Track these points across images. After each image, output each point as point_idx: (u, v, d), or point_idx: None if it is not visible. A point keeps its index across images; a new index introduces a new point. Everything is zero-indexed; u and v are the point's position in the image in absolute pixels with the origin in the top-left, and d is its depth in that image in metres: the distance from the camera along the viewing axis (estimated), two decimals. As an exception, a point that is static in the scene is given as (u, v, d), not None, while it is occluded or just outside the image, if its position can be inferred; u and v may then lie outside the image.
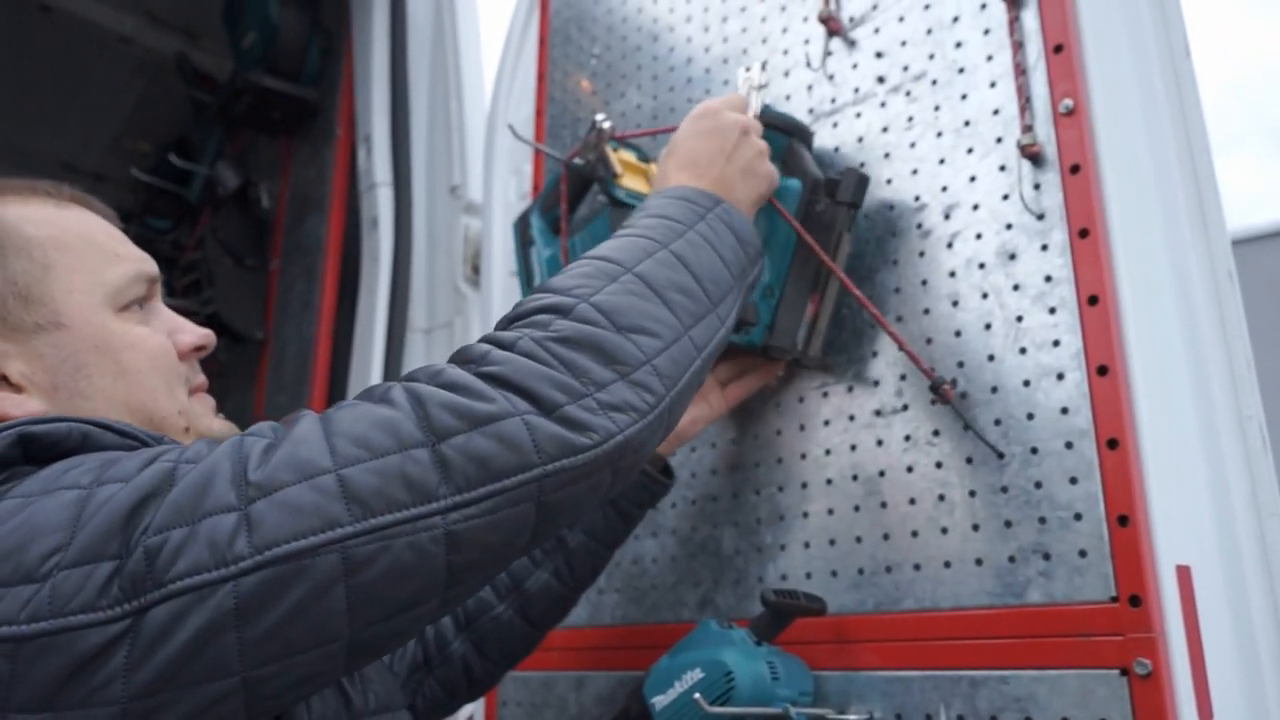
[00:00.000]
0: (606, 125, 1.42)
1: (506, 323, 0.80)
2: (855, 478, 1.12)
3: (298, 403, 2.19)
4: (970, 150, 1.10)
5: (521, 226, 1.62)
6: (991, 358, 1.03)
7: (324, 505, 0.65)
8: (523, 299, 0.82)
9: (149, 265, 0.91)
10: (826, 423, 1.17)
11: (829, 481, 1.15)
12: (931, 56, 1.16)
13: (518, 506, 0.70)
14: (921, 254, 1.12)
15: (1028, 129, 1.04)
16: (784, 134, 1.17)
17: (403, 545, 0.66)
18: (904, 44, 1.19)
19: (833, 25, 1.26)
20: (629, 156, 1.45)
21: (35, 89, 3.25)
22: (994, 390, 1.01)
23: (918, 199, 1.14)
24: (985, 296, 1.05)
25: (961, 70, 1.12)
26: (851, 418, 1.14)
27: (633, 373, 0.77)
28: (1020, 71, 1.06)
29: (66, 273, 0.84)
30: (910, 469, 1.07)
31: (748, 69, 1.16)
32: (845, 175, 1.13)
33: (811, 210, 1.13)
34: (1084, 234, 0.98)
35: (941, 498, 1.03)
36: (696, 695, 1.01)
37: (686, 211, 0.94)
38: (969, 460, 1.02)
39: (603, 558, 1.19)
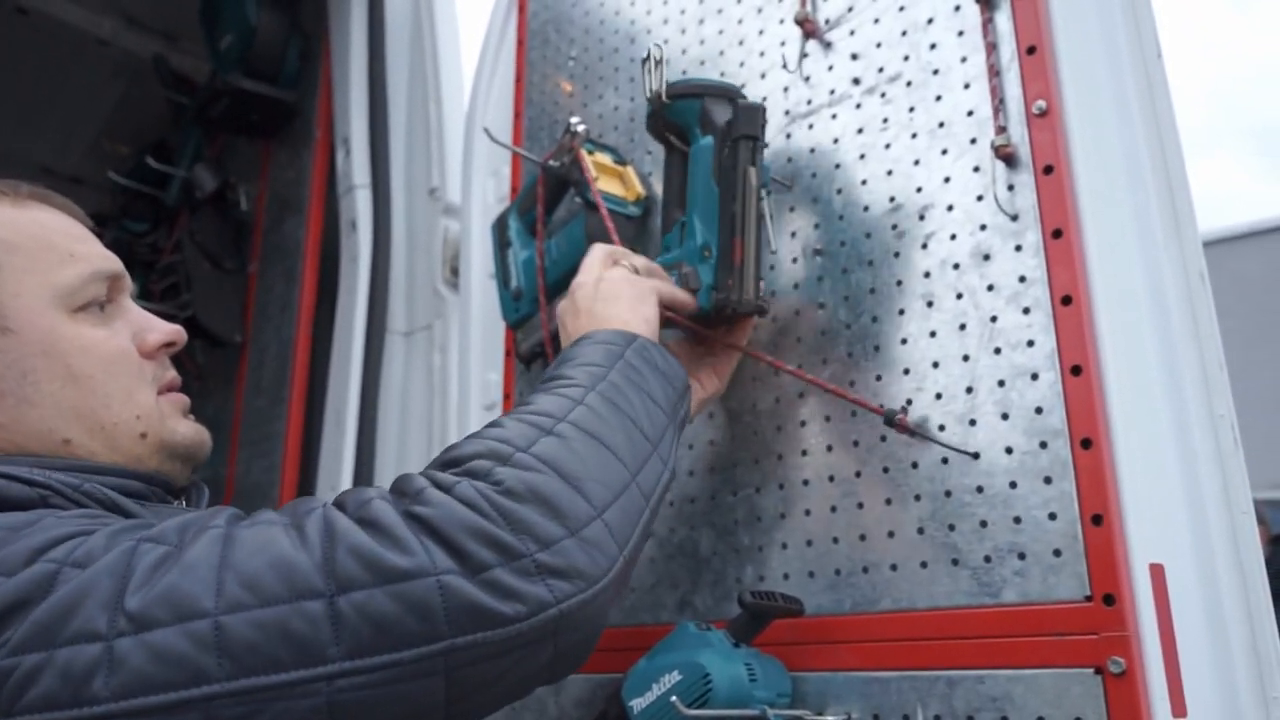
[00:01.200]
0: (580, 129, 1.42)
1: (441, 465, 0.73)
2: (832, 479, 1.12)
3: (277, 406, 2.18)
4: (945, 151, 1.10)
5: (499, 228, 1.61)
6: (966, 358, 1.03)
7: (194, 657, 0.58)
8: (455, 443, 0.76)
9: (108, 263, 0.88)
10: (803, 424, 1.17)
11: (805, 483, 1.15)
12: (906, 58, 1.16)
13: (421, 680, 0.62)
14: (896, 255, 1.12)
15: (1001, 130, 1.04)
16: (695, 98, 1.19)
17: (278, 710, 0.59)
18: (879, 46, 1.19)
19: (808, 27, 1.27)
20: (604, 159, 1.44)
21: (12, 92, 3.21)
22: (969, 390, 1.02)
23: (893, 200, 1.14)
24: (960, 297, 1.05)
25: (936, 72, 1.13)
26: (827, 418, 1.14)
27: (583, 528, 0.69)
28: (994, 73, 1.06)
29: (15, 275, 0.82)
30: (886, 469, 1.07)
31: (647, 53, 1.20)
32: (739, 111, 1.14)
33: (720, 157, 1.15)
34: (1057, 234, 0.98)
35: (917, 498, 1.03)
36: (674, 698, 1.01)
37: (603, 354, 0.91)
38: (944, 460, 1.02)
39: None
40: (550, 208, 1.50)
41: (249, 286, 2.50)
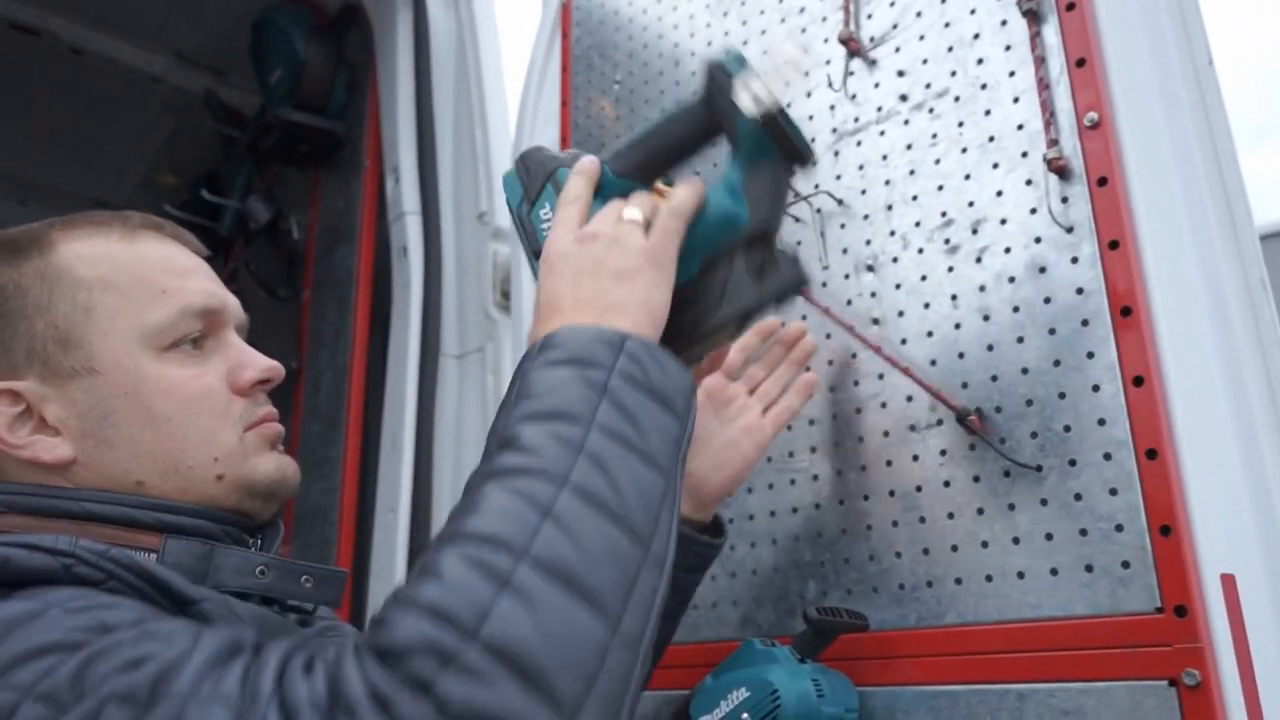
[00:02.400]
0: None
1: (378, 651, 0.57)
2: (892, 493, 1.13)
3: (334, 431, 2.23)
4: (996, 165, 1.11)
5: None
6: (1025, 371, 1.03)
7: None
8: (397, 598, 0.60)
9: (202, 298, 0.86)
10: (860, 439, 1.18)
11: (866, 498, 1.16)
12: (954, 73, 1.17)
13: None
14: (950, 269, 1.13)
15: (1053, 143, 1.05)
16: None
17: None
18: (925, 62, 1.20)
19: (853, 46, 1.28)
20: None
21: (68, 129, 3.32)
22: (1029, 404, 1.02)
23: (944, 214, 1.15)
24: (1017, 310, 1.06)
25: (984, 86, 1.13)
26: (886, 434, 1.15)
27: None
28: (1043, 86, 1.07)
29: (108, 315, 0.83)
30: (947, 483, 1.08)
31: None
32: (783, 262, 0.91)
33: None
34: (1114, 245, 0.99)
35: (980, 511, 1.04)
36: (744, 715, 1.02)
37: (579, 388, 0.68)
38: (1006, 474, 1.02)
39: (667, 631, 1.13)
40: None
41: (303, 314, 2.56)
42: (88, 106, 3.19)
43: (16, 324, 0.82)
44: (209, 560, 0.81)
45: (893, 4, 1.25)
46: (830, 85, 1.31)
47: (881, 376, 1.17)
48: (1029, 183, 1.07)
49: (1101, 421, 0.96)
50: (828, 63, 1.32)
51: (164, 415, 0.83)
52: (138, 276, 0.84)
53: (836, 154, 1.29)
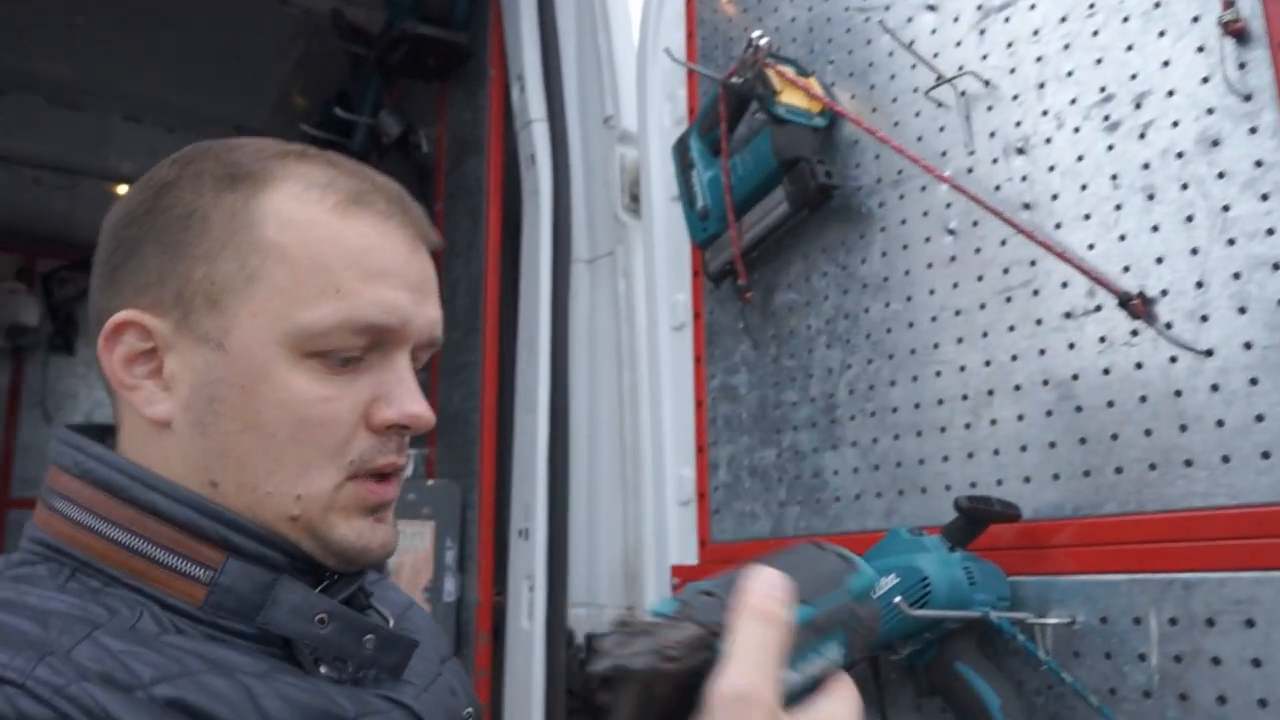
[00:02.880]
0: (764, 42, 1.41)
1: None
2: (1046, 382, 1.10)
3: (471, 337, 2.30)
4: (1162, 33, 1.04)
5: (680, 150, 1.63)
6: (1195, 251, 0.98)
7: None
8: None
9: (377, 313, 0.72)
10: (1011, 328, 1.15)
11: (1017, 387, 1.13)
12: (1116, -65, 1.09)
13: None
14: (1110, 148, 1.07)
15: (1229, 4, 0.97)
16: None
17: None
18: (1084, -76, 1.12)
19: (1003, -88, 1.20)
20: (788, 71, 1.43)
21: (203, 57, 3.44)
22: (1199, 285, 0.97)
23: (1103, 90, 1.09)
24: (1185, 187, 1.00)
25: (1151, -54, 1.05)
26: (1039, 321, 1.12)
27: None
28: (1220, -59, 0.98)
29: (267, 293, 0.71)
30: (1107, 371, 1.04)
31: None
32: None
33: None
34: (1299, 112, 0.92)
35: (1143, 399, 1.00)
36: (897, 598, 1.03)
37: None
38: (1173, 359, 0.98)
39: None
40: (732, 126, 1.51)
41: (436, 226, 2.62)
42: (221, 34, 3.30)
43: (181, 260, 0.72)
44: (268, 593, 0.71)
45: None
46: (976, -42, 1.24)
47: (1034, 263, 1.13)
48: (1200, 49, 1.00)
49: (1280, 302, 0.91)
50: (973, -66, 1.25)
51: (269, 429, 0.71)
52: (319, 262, 0.71)
53: (982, 33, 1.23)
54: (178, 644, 0.67)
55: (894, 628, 1.08)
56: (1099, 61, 1.10)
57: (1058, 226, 1.11)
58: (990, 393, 1.16)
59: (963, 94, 1.24)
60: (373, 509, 0.75)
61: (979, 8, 1.24)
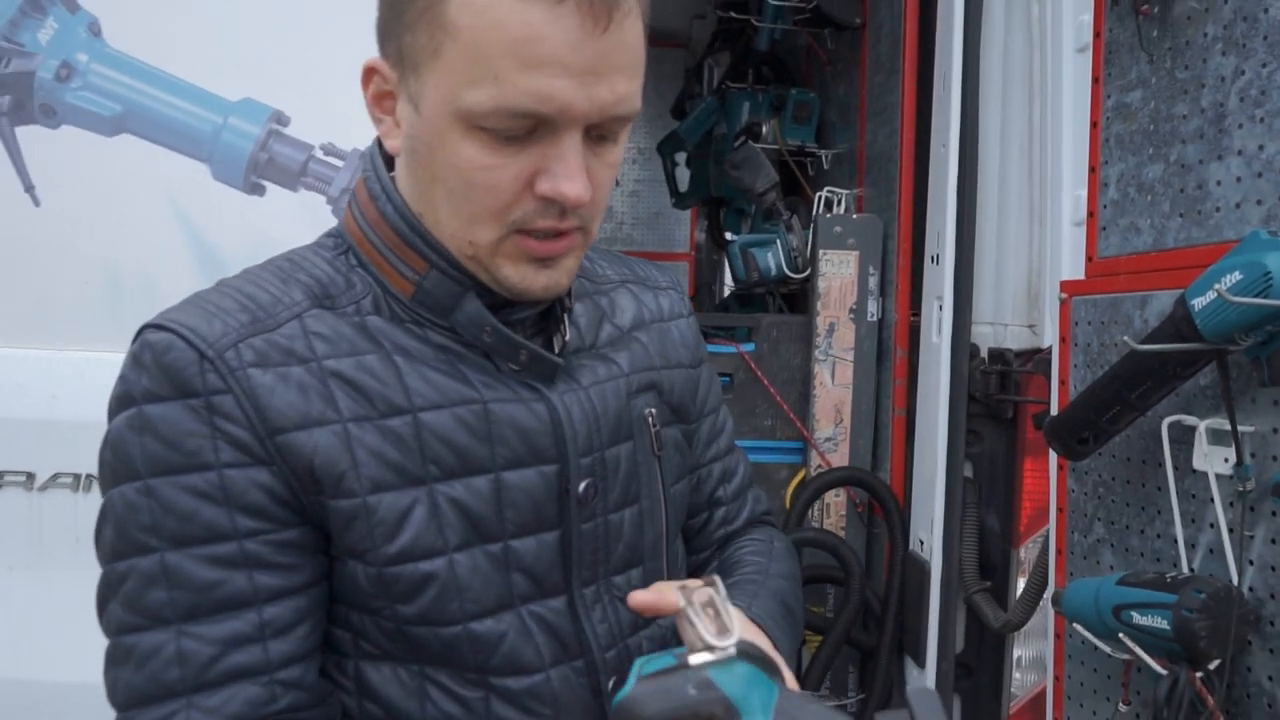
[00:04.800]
0: None
1: None
2: None
3: (893, 78, 2.42)
4: None
5: None
6: None
7: None
8: None
9: (531, 102, 0.76)
10: None
11: None
12: None
13: None
14: None
15: None
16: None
17: None
18: None
19: None
20: None
21: None
22: None
23: None
24: None
25: None
26: None
27: None
28: None
29: (444, 71, 0.78)
30: None
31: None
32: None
33: None
34: None
35: None
36: (1219, 287, 1.11)
37: None
38: None
39: None
40: None
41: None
42: None
43: (398, 23, 0.81)
44: (458, 300, 0.87)
45: None
46: None
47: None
48: None
49: None
50: None
51: (448, 184, 0.82)
52: (481, 47, 0.75)
53: None
54: (375, 325, 0.86)
55: (1234, 320, 1.16)
56: None
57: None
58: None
59: None
60: (536, 256, 0.84)
61: None
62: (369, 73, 0.86)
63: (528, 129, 0.78)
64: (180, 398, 0.78)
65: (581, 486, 0.90)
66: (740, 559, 1.09)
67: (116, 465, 0.80)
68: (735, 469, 1.16)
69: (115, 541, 0.80)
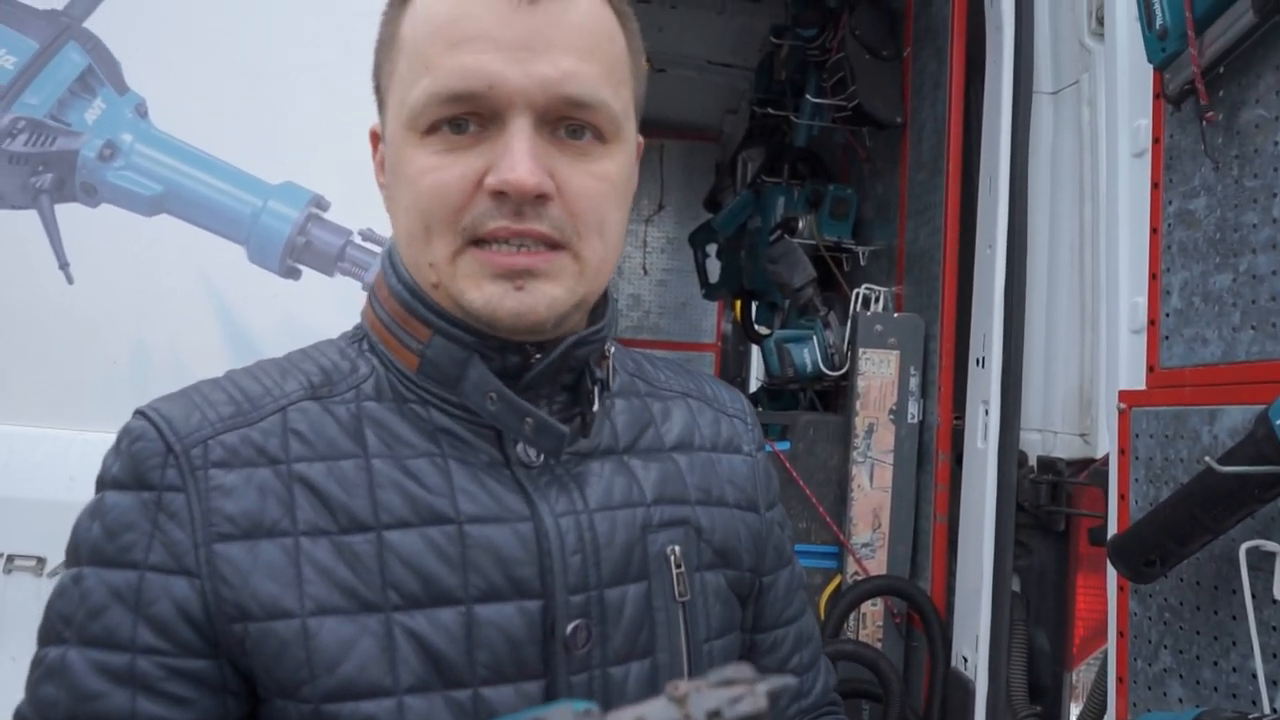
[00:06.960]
0: None
1: None
2: None
3: (936, 178, 2.40)
4: None
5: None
6: None
7: None
8: None
9: (458, 80, 0.72)
10: None
11: None
12: None
13: None
14: None
15: None
16: None
17: None
18: None
19: None
20: None
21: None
22: None
23: None
24: None
25: None
26: None
27: None
28: None
29: (397, 86, 0.77)
30: None
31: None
32: None
33: None
34: None
35: None
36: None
37: None
38: None
39: None
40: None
41: (905, 71, 2.71)
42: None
43: (380, 70, 0.82)
44: (464, 368, 0.78)
45: None
46: None
47: None
48: None
49: None
50: None
51: (404, 204, 0.77)
52: (419, 44, 0.75)
53: None
54: (371, 412, 0.79)
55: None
56: None
57: None
58: None
59: None
60: (503, 276, 0.75)
61: None
62: (371, 139, 0.86)
63: (471, 116, 0.73)
64: (137, 489, 0.74)
65: (570, 629, 0.77)
66: None
67: (70, 547, 0.76)
68: (811, 632, 1.02)
69: (43, 624, 0.75)
